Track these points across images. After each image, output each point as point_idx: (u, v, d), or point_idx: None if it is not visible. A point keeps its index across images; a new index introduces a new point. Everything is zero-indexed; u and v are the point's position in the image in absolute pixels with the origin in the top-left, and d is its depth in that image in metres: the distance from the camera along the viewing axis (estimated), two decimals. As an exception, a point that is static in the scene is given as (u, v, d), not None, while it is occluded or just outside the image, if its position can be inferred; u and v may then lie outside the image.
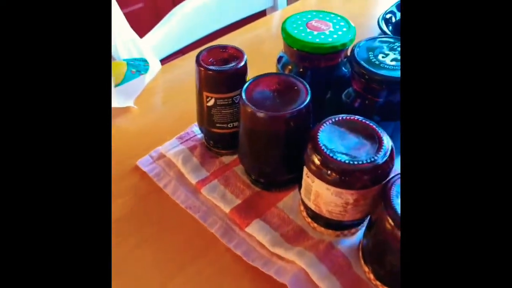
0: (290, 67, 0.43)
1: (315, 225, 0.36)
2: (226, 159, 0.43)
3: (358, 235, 0.36)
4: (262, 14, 0.85)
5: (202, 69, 0.36)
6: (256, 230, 0.36)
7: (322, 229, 0.36)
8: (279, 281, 0.33)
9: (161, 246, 0.36)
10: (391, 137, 0.41)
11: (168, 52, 0.66)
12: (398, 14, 0.64)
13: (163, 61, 0.60)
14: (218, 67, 0.36)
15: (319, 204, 0.33)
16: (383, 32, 0.61)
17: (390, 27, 0.62)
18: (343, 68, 0.43)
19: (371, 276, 0.33)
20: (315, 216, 0.36)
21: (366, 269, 0.33)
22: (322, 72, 0.42)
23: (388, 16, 0.64)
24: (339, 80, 0.42)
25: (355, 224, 0.36)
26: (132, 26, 0.52)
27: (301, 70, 0.42)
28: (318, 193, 0.32)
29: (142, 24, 0.71)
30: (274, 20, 0.72)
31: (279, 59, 0.44)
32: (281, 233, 0.36)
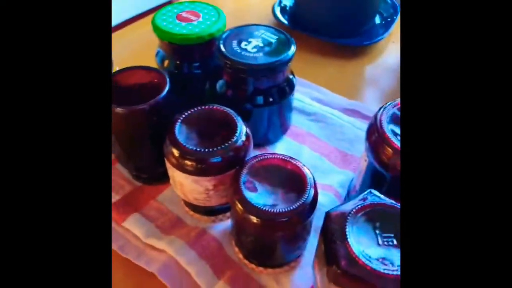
0: (167, 60, 0.43)
1: (192, 212, 0.38)
2: (109, 156, 0.42)
3: (233, 219, 0.38)
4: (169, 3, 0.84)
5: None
6: (132, 224, 0.37)
7: (198, 215, 0.37)
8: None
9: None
10: (268, 124, 0.43)
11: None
12: (291, 2, 0.66)
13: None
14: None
15: (185, 193, 0.34)
16: (278, 21, 0.62)
17: (286, 16, 0.64)
18: (218, 59, 0.43)
19: (240, 255, 0.34)
20: (190, 204, 0.37)
21: (236, 249, 0.35)
22: (198, 64, 0.43)
23: (284, 5, 0.66)
24: (215, 70, 0.43)
25: (229, 208, 0.37)
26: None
27: (178, 62, 0.43)
28: (181, 183, 0.33)
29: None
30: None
31: (157, 53, 0.45)
32: (157, 224, 0.37)
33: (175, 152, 0.32)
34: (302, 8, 0.63)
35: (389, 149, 0.29)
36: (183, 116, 0.34)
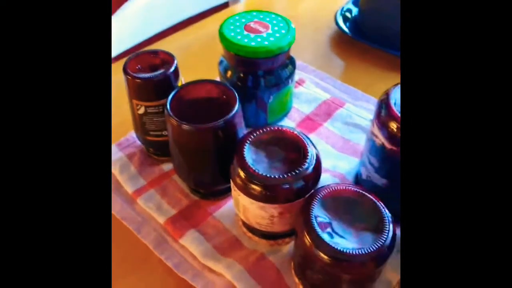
0: (230, 71, 0.42)
1: (250, 234, 0.36)
2: (166, 166, 0.42)
3: (292, 245, 0.36)
4: (225, 6, 0.82)
5: (129, 77, 0.35)
6: (189, 241, 0.35)
7: (257, 238, 0.36)
8: (208, 295, 0.32)
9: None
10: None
11: (119, 51, 0.64)
12: (355, 10, 0.63)
13: (115, 60, 0.58)
14: (144, 75, 0.35)
15: (248, 216, 0.33)
16: (340, 29, 0.59)
17: (348, 24, 0.61)
18: (285, 71, 0.42)
19: (300, 287, 0.32)
20: (249, 226, 0.35)
21: (296, 280, 0.33)
22: (262, 76, 0.41)
23: (346, 13, 0.63)
24: (281, 84, 0.41)
25: (289, 233, 0.35)
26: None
27: (241, 75, 0.41)
28: (245, 207, 0.32)
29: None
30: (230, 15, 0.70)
31: (220, 62, 0.43)
32: (214, 244, 0.35)
33: (242, 175, 0.30)
34: (367, 18, 0.60)
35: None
36: (252, 136, 0.32)
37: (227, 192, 0.39)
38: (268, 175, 0.29)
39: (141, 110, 0.36)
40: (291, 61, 0.43)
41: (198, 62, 0.50)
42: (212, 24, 0.65)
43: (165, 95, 0.35)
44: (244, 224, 0.36)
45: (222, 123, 0.32)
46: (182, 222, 0.37)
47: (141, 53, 0.37)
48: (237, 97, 0.33)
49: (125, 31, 0.64)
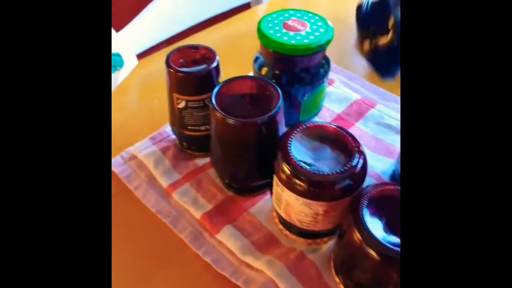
0: (266, 68, 0.42)
1: (287, 232, 0.36)
2: (200, 161, 0.42)
3: (331, 244, 0.35)
4: (247, 6, 0.83)
5: (172, 70, 0.35)
6: (226, 237, 0.35)
7: (294, 237, 0.35)
8: (247, 291, 0.32)
9: (128, 252, 0.35)
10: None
11: (147, 46, 0.64)
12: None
13: (143, 55, 0.58)
14: (188, 69, 0.35)
15: (289, 213, 0.32)
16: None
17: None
18: (321, 70, 0.41)
19: (341, 287, 0.32)
20: (287, 224, 0.35)
21: (337, 279, 0.32)
22: (299, 74, 0.41)
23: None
24: (316, 82, 0.41)
25: (328, 233, 0.35)
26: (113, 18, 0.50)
27: (277, 72, 0.41)
28: (288, 203, 0.32)
29: (123, 16, 0.68)
30: (257, 14, 0.71)
31: (256, 59, 0.43)
32: (252, 241, 0.35)
33: (287, 170, 0.30)
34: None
35: None
36: (296, 132, 0.32)
37: (261, 188, 0.39)
38: (314, 171, 0.29)
39: (182, 104, 0.36)
40: (326, 61, 0.43)
41: (227, 59, 0.50)
42: (235, 24, 0.65)
43: (207, 90, 0.35)
44: (281, 221, 0.36)
45: (267, 118, 0.32)
46: (219, 217, 0.37)
47: (183, 48, 0.37)
48: (280, 93, 0.33)
49: (147, 31, 0.65)
